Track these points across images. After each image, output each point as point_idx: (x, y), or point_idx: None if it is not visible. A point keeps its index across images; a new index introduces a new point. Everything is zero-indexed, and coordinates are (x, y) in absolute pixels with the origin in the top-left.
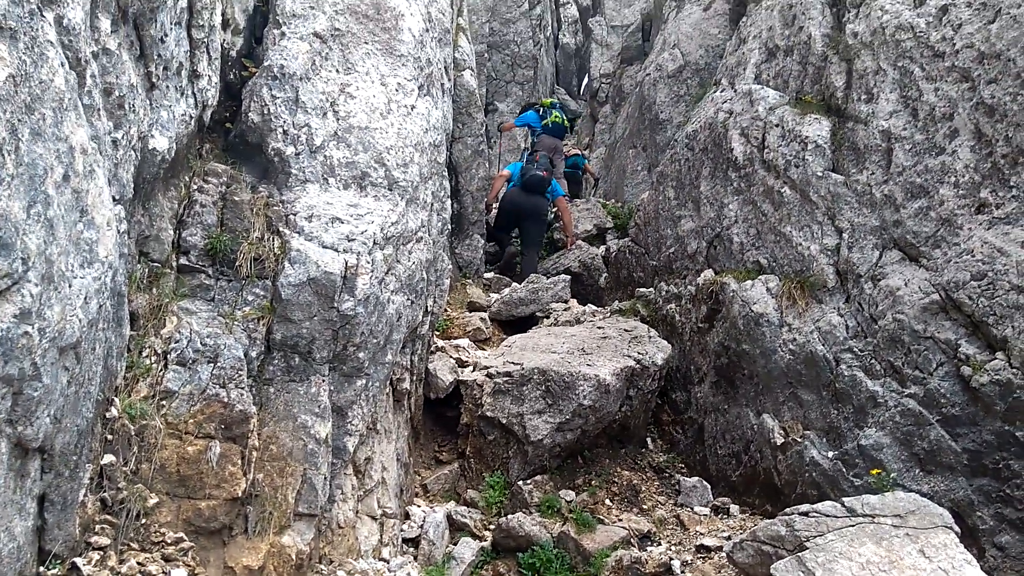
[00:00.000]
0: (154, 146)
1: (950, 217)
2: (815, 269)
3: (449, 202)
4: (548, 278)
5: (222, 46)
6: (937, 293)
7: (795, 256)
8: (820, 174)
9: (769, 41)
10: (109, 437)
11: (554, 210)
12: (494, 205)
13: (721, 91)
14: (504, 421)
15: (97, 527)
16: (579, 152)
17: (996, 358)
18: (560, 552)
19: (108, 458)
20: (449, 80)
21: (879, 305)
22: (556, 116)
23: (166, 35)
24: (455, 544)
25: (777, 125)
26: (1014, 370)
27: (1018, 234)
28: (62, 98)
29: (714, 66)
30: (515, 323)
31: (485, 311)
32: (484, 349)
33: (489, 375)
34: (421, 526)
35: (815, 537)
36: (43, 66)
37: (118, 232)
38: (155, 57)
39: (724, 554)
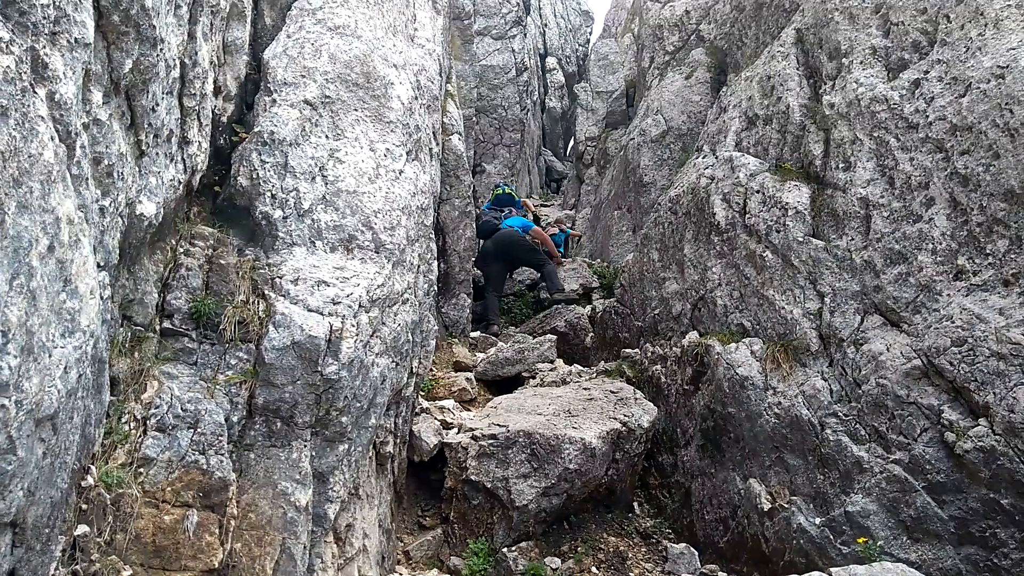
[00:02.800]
0: (141, 211)
1: (929, 283)
2: (798, 333)
3: (436, 263)
4: (534, 337)
5: (213, 112)
6: (919, 358)
7: (778, 319)
8: (801, 239)
9: (749, 110)
10: (84, 507)
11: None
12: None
13: (703, 157)
14: (489, 485)
15: None
16: (560, 230)
17: (979, 424)
18: None
19: (82, 529)
20: (437, 144)
21: (862, 370)
22: (499, 190)
23: (157, 104)
24: None
25: (758, 191)
26: (997, 437)
27: (995, 301)
28: (50, 171)
29: (696, 132)
30: (501, 383)
31: (471, 371)
32: (469, 410)
33: (474, 437)
34: None
35: None
36: (33, 141)
37: (101, 299)
38: (146, 126)
39: None
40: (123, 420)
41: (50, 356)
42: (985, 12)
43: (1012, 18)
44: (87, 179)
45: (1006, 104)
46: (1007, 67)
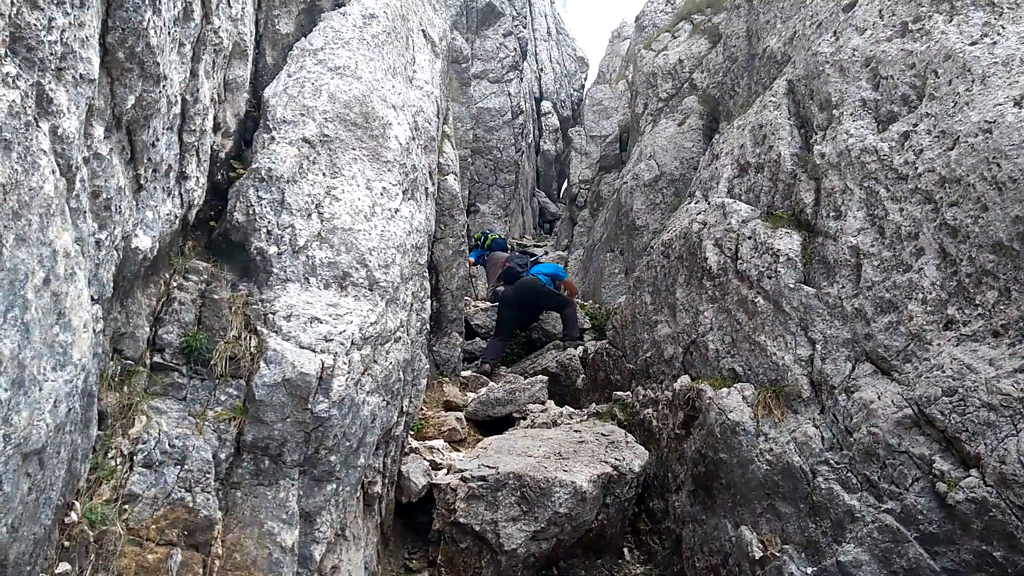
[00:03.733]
0: (137, 245)
1: (919, 332)
2: (790, 379)
3: (429, 302)
4: (526, 378)
5: (212, 148)
6: (910, 407)
7: (770, 365)
8: (792, 286)
9: (741, 158)
10: (66, 544)
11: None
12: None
13: (695, 203)
14: (477, 528)
15: None
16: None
17: (971, 475)
18: None
19: (63, 567)
20: (433, 184)
21: (853, 418)
22: (492, 235)
23: (158, 140)
24: None
25: (750, 237)
26: (989, 488)
27: (986, 352)
28: (50, 204)
29: (688, 177)
30: (492, 423)
31: (461, 411)
32: (459, 451)
33: (463, 479)
34: None
35: None
36: (34, 174)
37: (94, 333)
38: (145, 160)
39: None
40: (109, 455)
41: (40, 390)
42: (972, 68)
43: (998, 75)
44: (85, 212)
45: (993, 158)
46: (994, 122)
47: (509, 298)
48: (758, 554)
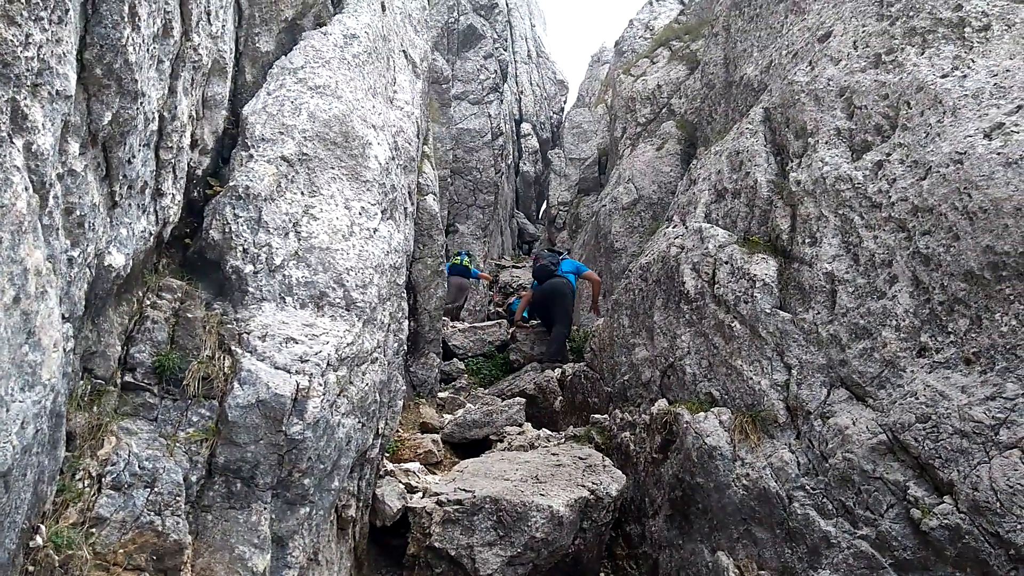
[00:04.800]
0: (110, 263)
1: (893, 359)
2: (766, 404)
3: (406, 322)
4: (503, 400)
5: (188, 165)
6: (884, 433)
7: (746, 390)
8: (768, 311)
9: (718, 183)
10: (31, 568)
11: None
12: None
13: (673, 227)
14: (453, 553)
15: None
16: (518, 296)
17: (944, 502)
18: None
19: None
20: (412, 204)
21: (829, 443)
22: (457, 260)
23: (134, 156)
24: None
25: (726, 262)
26: (962, 515)
27: (958, 379)
28: (22, 221)
29: (666, 201)
30: (468, 446)
31: (438, 432)
32: (435, 473)
33: (439, 502)
34: None
35: None
36: (7, 191)
37: (64, 352)
38: (120, 177)
39: None
40: (77, 477)
41: (7, 411)
42: (943, 100)
43: (968, 107)
44: (58, 229)
45: (964, 188)
46: (965, 153)
47: (538, 297)
48: None
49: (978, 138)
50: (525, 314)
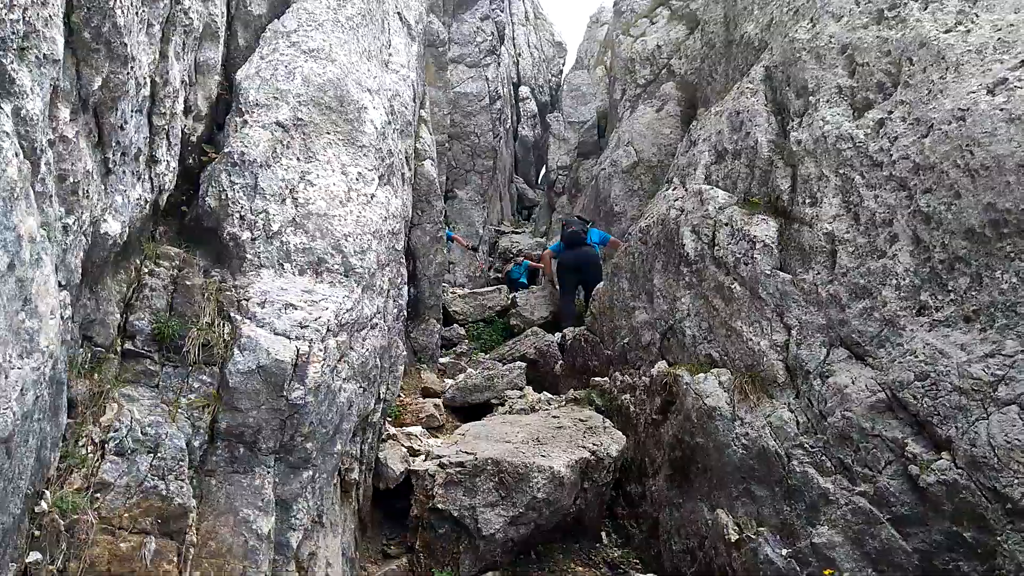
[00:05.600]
0: (106, 230)
1: (893, 318)
2: (765, 364)
3: (406, 288)
4: (504, 364)
5: (183, 131)
6: (883, 392)
7: (745, 351)
8: (768, 272)
9: (718, 144)
10: (36, 533)
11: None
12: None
13: (673, 189)
14: (456, 514)
15: None
16: (517, 264)
17: (942, 458)
18: None
19: (34, 556)
20: (410, 169)
21: (828, 402)
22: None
23: (126, 122)
24: None
25: (726, 224)
26: (959, 470)
27: (957, 337)
28: (14, 188)
29: (666, 164)
30: (470, 410)
31: (439, 397)
32: (437, 437)
33: (441, 465)
34: None
35: None
36: None
37: (62, 319)
38: (113, 144)
39: None
40: (80, 443)
41: (6, 377)
42: (946, 56)
43: (972, 63)
44: (51, 196)
45: (967, 146)
46: (967, 110)
47: (570, 263)
48: (734, 537)
49: (981, 94)
50: (523, 280)
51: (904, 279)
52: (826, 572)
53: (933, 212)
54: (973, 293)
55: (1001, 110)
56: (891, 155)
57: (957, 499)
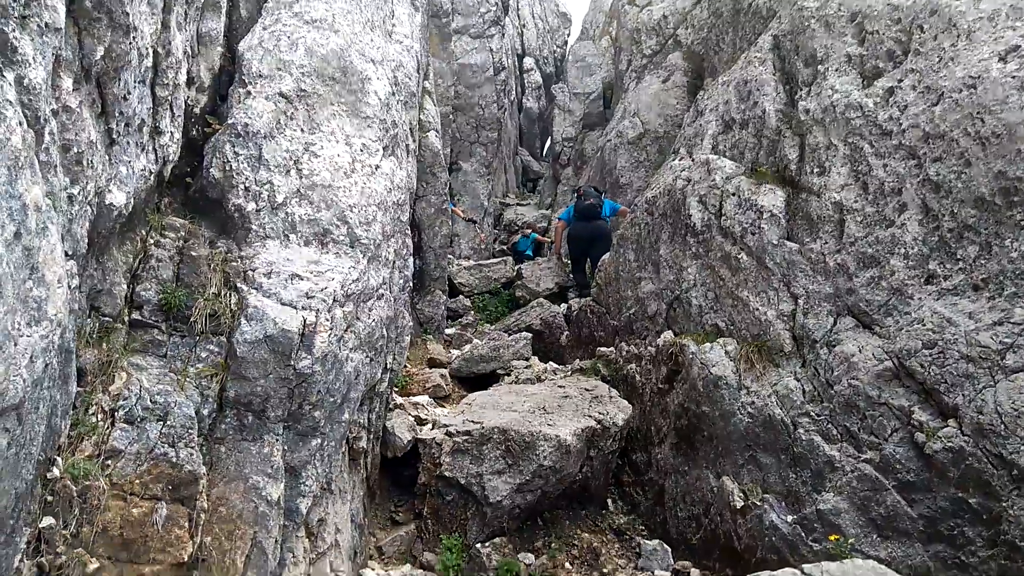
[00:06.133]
0: (111, 201)
1: (901, 287)
2: (772, 334)
3: (411, 259)
4: (510, 335)
5: (186, 103)
6: (890, 360)
7: (752, 320)
8: (775, 242)
9: (725, 114)
10: (49, 499)
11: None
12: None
13: (680, 159)
14: (463, 481)
15: None
16: (524, 235)
17: (948, 425)
18: None
19: (47, 521)
20: (414, 141)
21: (834, 371)
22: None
23: (129, 93)
24: None
25: (734, 194)
26: (966, 438)
27: (965, 305)
28: (18, 156)
29: (672, 134)
30: (476, 380)
31: (445, 367)
32: (444, 407)
33: (448, 434)
34: None
35: None
36: (0, 125)
37: (69, 288)
38: (117, 114)
39: None
40: (90, 411)
41: (15, 345)
42: (958, 24)
43: (983, 30)
44: (56, 166)
45: (977, 113)
46: (979, 78)
47: (582, 235)
48: (739, 503)
49: (993, 61)
50: (529, 252)
51: (912, 248)
52: (831, 537)
53: (943, 181)
54: (982, 261)
55: (1013, 77)
56: (901, 124)
57: (963, 466)
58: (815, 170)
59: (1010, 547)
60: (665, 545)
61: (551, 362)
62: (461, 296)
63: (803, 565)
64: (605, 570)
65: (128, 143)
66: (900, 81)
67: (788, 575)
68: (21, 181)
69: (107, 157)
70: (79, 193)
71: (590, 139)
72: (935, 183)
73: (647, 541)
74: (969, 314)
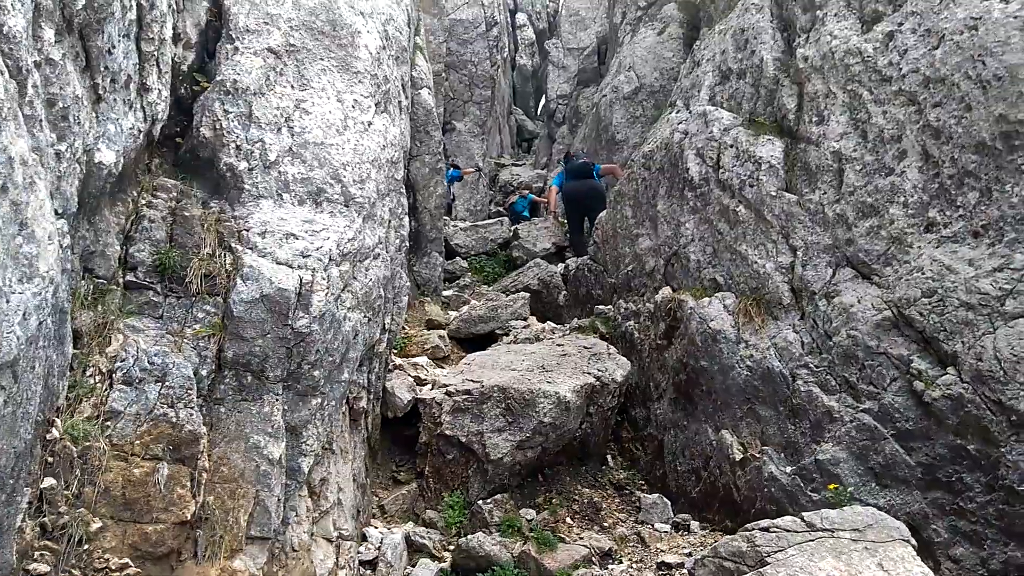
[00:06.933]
0: (100, 160)
1: (900, 236)
2: (770, 287)
3: (407, 219)
4: (507, 295)
5: (173, 60)
6: (889, 310)
7: (751, 274)
8: (774, 193)
9: (722, 64)
10: (50, 460)
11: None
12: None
13: (676, 112)
14: (464, 439)
15: (36, 554)
16: (522, 196)
17: (947, 373)
18: (521, 572)
19: (48, 481)
20: (407, 98)
21: (833, 322)
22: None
23: (114, 47)
24: (413, 566)
25: (731, 145)
26: (965, 385)
27: (965, 252)
28: (1, 107)
29: (669, 88)
30: (474, 341)
31: (444, 329)
32: (443, 367)
33: (448, 393)
34: (378, 548)
35: (776, 552)
36: None
37: (60, 247)
38: (102, 69)
39: (685, 571)
40: (88, 373)
41: (7, 302)
42: None
43: None
44: (41, 121)
45: (979, 56)
46: (980, 18)
47: (576, 193)
48: (738, 456)
49: (994, 1)
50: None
51: (912, 196)
52: (830, 487)
53: (943, 126)
54: (982, 208)
55: (1015, 17)
56: (900, 69)
57: (962, 413)
58: (814, 119)
59: (1008, 492)
60: (665, 499)
61: (549, 322)
62: (458, 258)
63: (803, 513)
64: (606, 524)
65: (115, 100)
66: (900, 25)
67: (788, 522)
68: (5, 133)
69: (94, 114)
70: (67, 150)
71: (585, 96)
72: (935, 129)
73: (647, 495)
74: (969, 261)
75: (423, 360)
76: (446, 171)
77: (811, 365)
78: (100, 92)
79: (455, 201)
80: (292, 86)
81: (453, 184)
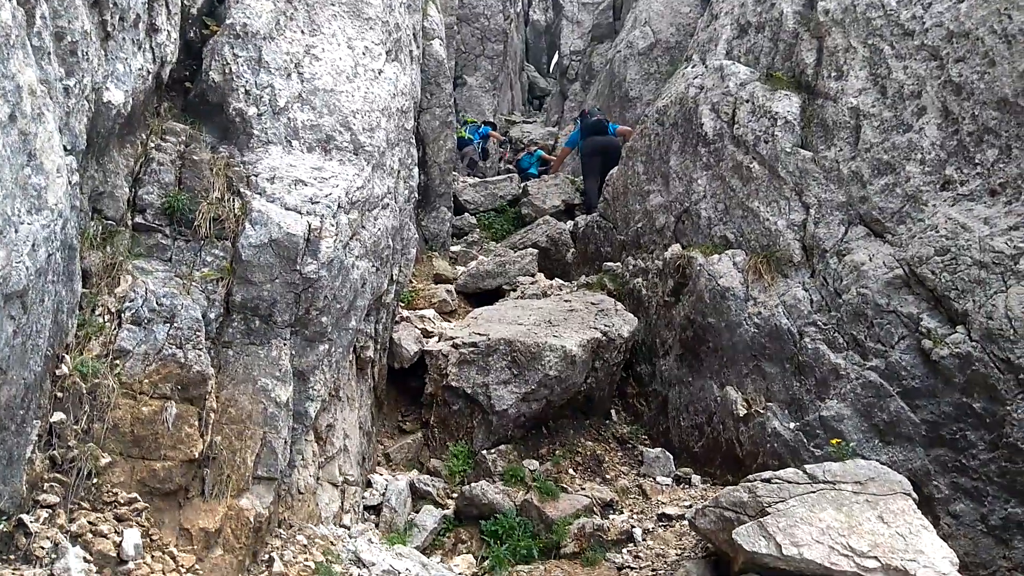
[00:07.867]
0: (109, 99)
1: (915, 194)
2: (781, 244)
3: (416, 170)
4: (515, 252)
5: (182, 3)
6: (901, 268)
7: (762, 231)
8: (789, 150)
9: (741, 17)
10: (59, 395)
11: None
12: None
13: (692, 67)
14: (469, 391)
15: (46, 485)
16: (529, 152)
17: (956, 332)
18: (523, 520)
19: (58, 416)
20: (418, 48)
21: (843, 280)
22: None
23: None
24: (417, 512)
25: (747, 101)
26: (973, 343)
27: (981, 211)
28: (9, 34)
29: (684, 44)
30: (481, 296)
31: (451, 283)
32: (450, 321)
33: (455, 345)
34: (383, 494)
35: (777, 503)
36: None
37: (69, 183)
38: (110, 5)
39: (685, 522)
40: (96, 313)
41: (16, 231)
42: None
43: None
44: (49, 53)
45: (1005, 9)
46: None
47: (596, 148)
48: (742, 412)
49: None
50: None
51: (930, 153)
52: (833, 441)
53: (965, 82)
54: (1001, 165)
55: None
56: (924, 23)
57: (969, 371)
58: (832, 74)
59: (1012, 449)
60: (667, 453)
61: (557, 278)
62: (467, 214)
63: (806, 465)
64: (608, 476)
65: (124, 39)
66: None
67: (789, 473)
68: (14, 61)
69: (103, 52)
70: (75, 86)
71: (599, 52)
72: (956, 84)
73: (649, 449)
74: (984, 219)
75: (430, 313)
76: (479, 127)
77: (819, 323)
78: (109, 30)
79: (487, 160)
80: (302, 31)
81: (488, 141)
